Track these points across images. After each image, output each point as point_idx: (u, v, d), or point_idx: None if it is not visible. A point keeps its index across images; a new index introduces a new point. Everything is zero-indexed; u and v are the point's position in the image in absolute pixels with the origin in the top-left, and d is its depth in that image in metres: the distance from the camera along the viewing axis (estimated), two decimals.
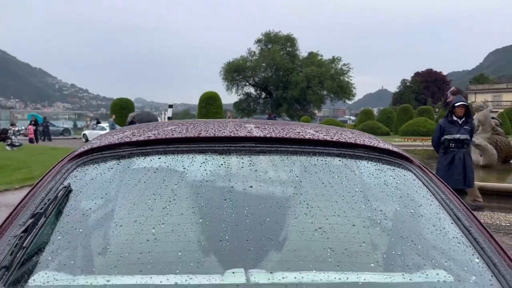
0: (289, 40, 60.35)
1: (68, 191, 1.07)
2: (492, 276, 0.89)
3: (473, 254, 0.96)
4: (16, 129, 19.65)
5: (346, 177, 1.22)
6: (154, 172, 1.18)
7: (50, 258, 0.92)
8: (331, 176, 1.21)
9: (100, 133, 24.68)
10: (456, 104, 5.95)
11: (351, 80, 57.50)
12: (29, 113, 38.36)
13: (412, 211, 1.15)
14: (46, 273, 0.87)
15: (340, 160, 1.27)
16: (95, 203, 1.11)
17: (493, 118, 13.33)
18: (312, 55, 59.69)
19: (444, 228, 1.04)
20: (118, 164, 1.20)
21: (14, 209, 1.08)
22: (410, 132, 33.60)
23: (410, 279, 0.91)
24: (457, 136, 5.86)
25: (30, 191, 1.15)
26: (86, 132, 28.58)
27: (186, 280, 0.86)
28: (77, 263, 0.94)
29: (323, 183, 1.17)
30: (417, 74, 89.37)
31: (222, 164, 1.21)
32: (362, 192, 1.18)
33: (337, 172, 1.23)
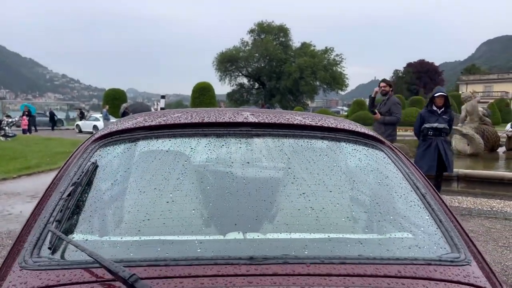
0: (282, 31, 60.30)
1: (95, 166, 1.29)
2: (437, 228, 1.12)
3: (427, 216, 1.19)
4: (10, 120, 19.68)
5: (328, 155, 1.45)
6: (166, 151, 1.40)
7: (87, 216, 1.14)
8: (315, 155, 1.43)
9: (94, 124, 24.60)
10: (436, 94, 6.27)
11: (343, 70, 57.73)
12: (21, 103, 38.17)
13: (382, 182, 1.38)
14: (84, 227, 1.10)
15: (323, 142, 1.50)
16: (119, 175, 1.32)
17: (483, 108, 13.65)
18: (305, 46, 59.73)
19: (405, 195, 1.28)
20: (135, 144, 1.42)
21: (52, 180, 1.29)
22: (401, 123, 33.93)
23: (379, 237, 1.15)
24: (435, 125, 6.18)
25: (63, 166, 1.36)
26: (80, 122, 28.57)
27: (196, 237, 1.09)
28: (107, 223, 1.17)
29: (308, 160, 1.40)
30: (409, 64, 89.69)
31: (223, 145, 1.43)
32: (340, 167, 1.42)
33: (320, 152, 1.45)
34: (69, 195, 1.11)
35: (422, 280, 0.94)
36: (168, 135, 1.44)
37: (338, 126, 1.53)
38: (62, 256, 0.98)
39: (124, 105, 23.41)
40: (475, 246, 1.10)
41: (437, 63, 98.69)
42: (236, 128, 1.47)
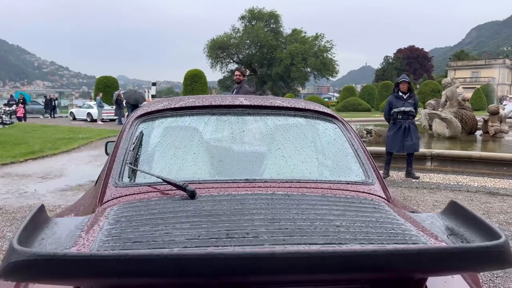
0: (273, 17, 60.52)
1: (142, 135, 1.95)
2: (360, 167, 1.82)
3: (355, 161, 1.88)
4: (7, 108, 20.04)
5: (297, 126, 2.12)
6: (187, 125, 2.06)
7: (144, 160, 1.81)
8: (289, 126, 2.11)
9: (87, 111, 24.72)
10: (400, 81, 7.12)
11: (334, 57, 58.32)
12: (9, 92, 38.28)
13: (337, 144, 2.06)
14: (143, 166, 1.77)
15: (295, 118, 2.17)
16: (158, 139, 1.98)
17: (463, 96, 14.43)
18: (295, 32, 60.10)
19: (345, 151, 1.96)
20: (165, 120, 2.08)
21: (116, 141, 1.94)
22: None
23: (324, 172, 1.84)
24: (403, 108, 6.93)
25: (120, 133, 2.00)
26: (73, 110, 28.87)
27: (210, 178, 1.76)
28: (155, 164, 1.83)
29: (284, 130, 2.07)
30: (399, 50, 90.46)
31: (226, 120, 2.09)
32: (305, 134, 2.09)
33: (293, 124, 2.13)
34: (132, 149, 1.77)
35: (348, 191, 1.64)
36: (188, 114, 2.11)
37: (306, 107, 2.21)
38: (135, 180, 1.67)
39: (116, 92, 23.79)
40: (381, 177, 1.81)
41: (427, 49, 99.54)
42: (235, 109, 2.13)
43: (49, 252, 0.86)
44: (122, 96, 22.24)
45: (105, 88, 30.10)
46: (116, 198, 1.57)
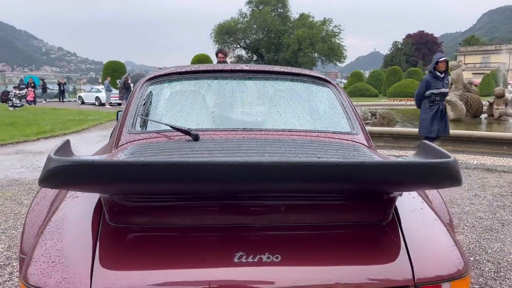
0: (280, 1, 59.95)
1: (152, 94, 2.15)
2: (347, 121, 2.02)
3: (344, 117, 2.08)
4: (18, 92, 20.35)
5: (293, 89, 2.31)
6: (192, 86, 2.26)
7: (154, 113, 2.03)
8: (286, 88, 2.30)
9: (96, 95, 25.05)
10: (440, 60, 6.54)
11: (342, 42, 57.82)
12: (19, 76, 38.68)
13: (328, 104, 2.25)
14: (153, 116, 1.98)
15: (291, 81, 2.36)
16: (166, 97, 2.19)
17: (470, 83, 14.42)
18: (303, 17, 59.56)
19: (335, 108, 2.15)
20: (173, 82, 2.28)
21: (129, 99, 2.15)
22: (398, 94, 34.62)
23: (315, 124, 2.05)
24: (442, 90, 6.55)
25: (132, 93, 2.21)
26: (82, 94, 29.21)
27: (212, 127, 1.97)
28: (165, 115, 2.04)
29: (281, 91, 2.27)
30: (408, 36, 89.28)
31: (227, 83, 2.29)
32: (301, 95, 2.28)
33: (289, 86, 2.32)
34: (143, 104, 1.99)
35: (334, 139, 1.85)
36: (192, 78, 2.31)
37: (302, 73, 2.40)
38: (146, 128, 1.89)
39: (124, 76, 24.05)
40: (365, 130, 2.01)
41: (437, 35, 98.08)
42: (236, 73, 2.33)
43: (81, 159, 1.08)
44: (130, 80, 22.49)
45: (113, 73, 30.29)
46: (130, 142, 1.79)
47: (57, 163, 1.06)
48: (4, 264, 2.90)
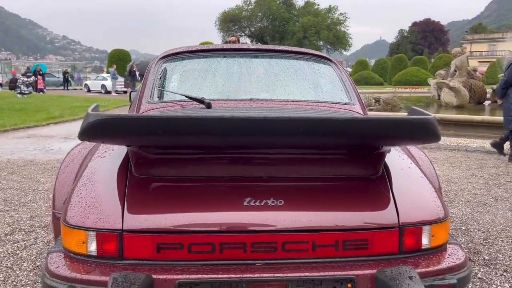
0: None
1: (166, 70, 2.35)
2: (345, 93, 2.21)
3: (342, 90, 2.27)
4: (26, 79, 20.58)
5: (296, 65, 2.50)
6: (203, 63, 2.45)
7: (170, 85, 2.22)
8: (290, 65, 2.49)
9: (102, 83, 25.33)
10: None
11: (347, 30, 57.49)
12: (25, 65, 39.01)
13: (329, 79, 2.44)
14: (166, 93, 2.18)
15: (295, 59, 2.55)
16: (179, 73, 2.39)
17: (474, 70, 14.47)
18: (308, 4, 59.16)
19: (335, 83, 2.34)
20: (185, 59, 2.47)
21: (145, 77, 2.34)
22: (403, 82, 34.49)
23: (317, 96, 2.24)
24: None
25: (148, 69, 2.41)
26: (88, 82, 29.45)
27: (222, 97, 2.17)
28: (180, 87, 2.24)
29: (286, 67, 2.46)
30: (414, 24, 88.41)
31: (235, 60, 2.48)
32: (304, 71, 2.47)
33: (293, 64, 2.51)
34: (159, 78, 2.18)
35: (333, 108, 2.04)
36: (203, 56, 2.50)
37: (305, 51, 2.58)
38: (163, 98, 2.09)
39: (130, 64, 24.25)
40: (362, 102, 2.20)
41: (444, 23, 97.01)
42: (242, 52, 2.52)
43: (115, 114, 1.28)
44: (135, 67, 22.70)
45: (118, 61, 30.46)
46: (149, 110, 2.00)
47: (95, 117, 1.26)
48: (29, 231, 3.14)
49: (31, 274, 2.45)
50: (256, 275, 1.36)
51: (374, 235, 1.45)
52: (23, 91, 19.85)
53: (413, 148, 2.18)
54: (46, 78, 31.17)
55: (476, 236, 3.11)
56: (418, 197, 1.60)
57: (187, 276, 1.35)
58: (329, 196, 1.54)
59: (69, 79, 32.19)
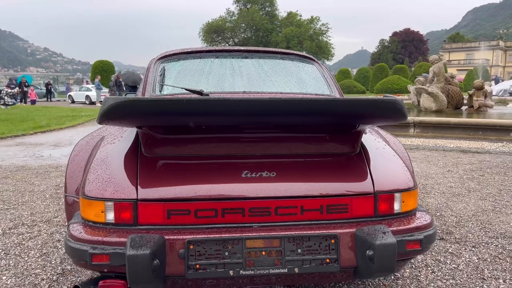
0: (268, 0, 60.49)
1: (164, 69, 2.58)
2: (329, 90, 2.47)
3: (326, 86, 2.53)
4: (9, 90, 20.49)
5: (283, 64, 2.76)
6: (198, 62, 2.69)
7: (169, 81, 2.45)
8: (277, 63, 2.75)
9: (86, 94, 25.20)
10: None
11: (329, 40, 58.57)
12: (18, 76, 38.68)
13: (312, 75, 2.70)
14: (166, 87, 2.41)
15: (281, 59, 2.81)
16: (177, 71, 2.62)
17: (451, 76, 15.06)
18: (291, 15, 60.18)
19: (317, 78, 2.60)
20: (181, 59, 2.71)
21: (145, 76, 2.57)
22: (385, 90, 35.31)
23: (303, 91, 2.49)
24: None
25: (148, 68, 2.63)
26: (72, 93, 29.32)
27: (217, 90, 2.40)
28: (178, 82, 2.47)
29: (273, 65, 2.71)
30: (394, 34, 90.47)
31: (227, 60, 2.72)
32: (290, 69, 2.73)
33: (280, 63, 2.76)
34: (160, 75, 2.41)
35: None
36: (198, 56, 2.74)
37: (290, 52, 2.85)
38: (164, 92, 2.32)
39: (116, 74, 24.31)
40: (342, 94, 2.46)
41: (423, 32, 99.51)
42: (234, 53, 2.77)
43: (131, 97, 1.50)
44: (121, 77, 22.76)
45: (102, 72, 30.45)
46: None
47: (114, 100, 1.48)
48: (31, 225, 3.30)
49: (39, 260, 2.62)
50: (253, 234, 1.59)
51: (353, 200, 1.70)
52: (6, 102, 19.74)
53: (388, 135, 2.44)
54: (26, 90, 31.02)
55: (449, 220, 3.39)
56: (391, 170, 1.86)
57: (195, 236, 1.57)
58: (315, 169, 1.78)
59: (52, 90, 32.12)
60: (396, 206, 1.76)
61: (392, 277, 2.36)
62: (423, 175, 5.16)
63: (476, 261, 2.59)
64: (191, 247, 1.56)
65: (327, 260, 1.61)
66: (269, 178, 1.69)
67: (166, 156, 1.77)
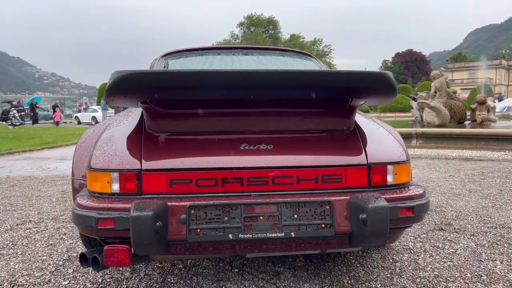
0: (272, 23, 61.63)
1: (168, 63, 2.70)
2: None
3: None
4: (16, 111, 20.85)
5: (282, 60, 2.88)
6: (201, 59, 2.82)
7: None
8: (276, 59, 2.86)
9: (92, 115, 25.49)
10: None
11: (332, 61, 59.25)
12: (20, 99, 39.32)
13: (309, 68, 2.81)
14: None
15: (280, 56, 2.93)
16: (180, 66, 2.74)
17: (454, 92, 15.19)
18: (294, 37, 61.14)
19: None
20: (184, 57, 2.83)
21: (151, 65, 2.69)
22: (388, 109, 35.54)
23: None
24: None
25: (151, 66, 2.75)
26: (78, 114, 29.74)
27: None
28: None
29: (273, 61, 2.83)
30: (397, 54, 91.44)
31: (228, 57, 2.85)
32: (288, 63, 2.84)
33: (279, 59, 2.88)
34: (163, 67, 2.53)
35: None
36: (200, 54, 2.87)
37: (289, 49, 2.98)
38: None
39: None
40: None
41: (426, 53, 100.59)
42: (236, 50, 2.90)
43: (138, 70, 1.60)
44: None
45: None
46: None
47: (121, 73, 1.58)
48: (38, 222, 3.37)
49: (46, 249, 2.69)
50: (252, 200, 1.66)
51: (347, 171, 1.77)
52: (14, 123, 20.06)
53: (383, 123, 2.52)
54: (37, 112, 31.53)
55: (449, 214, 3.43)
56: (384, 145, 1.94)
57: (196, 202, 1.64)
58: (310, 143, 1.86)
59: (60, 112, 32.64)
60: (389, 178, 1.83)
61: (391, 260, 2.41)
62: (424, 179, 5.20)
63: (474, 246, 2.63)
64: (192, 212, 1.63)
65: (322, 225, 1.68)
66: (267, 150, 1.77)
67: (168, 132, 1.86)
